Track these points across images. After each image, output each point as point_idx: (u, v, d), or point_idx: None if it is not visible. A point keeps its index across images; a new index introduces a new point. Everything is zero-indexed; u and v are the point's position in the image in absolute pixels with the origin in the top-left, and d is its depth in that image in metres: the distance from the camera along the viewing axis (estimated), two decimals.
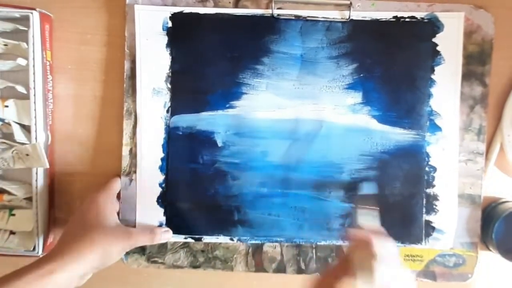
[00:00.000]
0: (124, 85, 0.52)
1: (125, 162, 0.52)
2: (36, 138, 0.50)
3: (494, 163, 0.53)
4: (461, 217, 0.52)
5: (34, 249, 0.51)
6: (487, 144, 0.53)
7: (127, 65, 0.51)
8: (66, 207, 0.54)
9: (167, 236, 0.51)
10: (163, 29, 0.51)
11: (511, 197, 0.54)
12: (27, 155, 0.49)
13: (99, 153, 0.54)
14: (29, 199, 0.52)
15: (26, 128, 0.51)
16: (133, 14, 0.51)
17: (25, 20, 0.49)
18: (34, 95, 0.49)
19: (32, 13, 0.49)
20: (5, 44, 0.50)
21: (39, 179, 0.51)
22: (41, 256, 0.51)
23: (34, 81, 0.49)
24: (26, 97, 0.50)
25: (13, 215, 0.52)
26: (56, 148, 0.53)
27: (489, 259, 0.53)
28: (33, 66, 0.49)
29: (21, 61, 0.50)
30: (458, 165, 0.52)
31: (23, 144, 0.50)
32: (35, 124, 0.50)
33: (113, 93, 0.53)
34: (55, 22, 0.53)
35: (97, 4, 0.52)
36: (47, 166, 0.50)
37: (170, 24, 0.51)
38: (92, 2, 0.52)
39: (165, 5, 0.51)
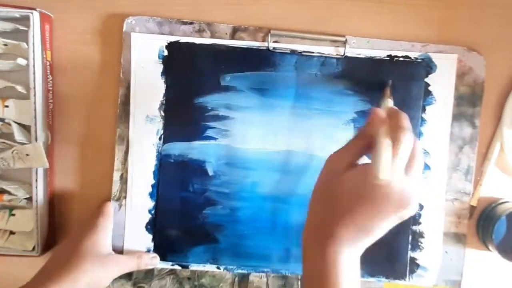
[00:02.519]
0: (118, 111, 0.52)
1: (116, 187, 0.52)
2: (36, 138, 0.50)
3: (494, 163, 0.53)
4: (445, 254, 0.53)
5: (33, 249, 0.51)
6: (487, 144, 0.53)
7: (121, 91, 0.52)
8: (66, 207, 0.54)
9: (154, 262, 0.52)
10: (159, 57, 0.51)
11: (511, 197, 0.54)
12: (27, 155, 0.49)
13: (100, 152, 0.53)
14: (29, 199, 0.52)
15: (26, 128, 0.51)
16: (130, 42, 0.51)
17: (25, 20, 0.49)
18: (34, 95, 0.49)
19: (32, 13, 0.49)
20: (5, 44, 0.50)
21: (39, 179, 0.51)
22: (41, 257, 0.51)
23: (34, 81, 0.49)
24: (26, 97, 0.50)
25: (13, 215, 0.52)
26: (56, 148, 0.53)
27: (490, 261, 0.54)
28: (33, 66, 0.49)
29: (21, 61, 0.50)
30: (445, 204, 0.53)
31: (23, 144, 0.50)
32: (35, 124, 0.50)
33: (115, 91, 0.53)
34: (55, 22, 0.52)
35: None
36: (47, 166, 0.50)
37: (166, 53, 0.51)
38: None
39: (162, 33, 0.51)
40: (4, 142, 0.51)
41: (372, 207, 0.36)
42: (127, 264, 0.50)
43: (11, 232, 0.53)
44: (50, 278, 0.44)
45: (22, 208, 0.52)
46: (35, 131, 0.50)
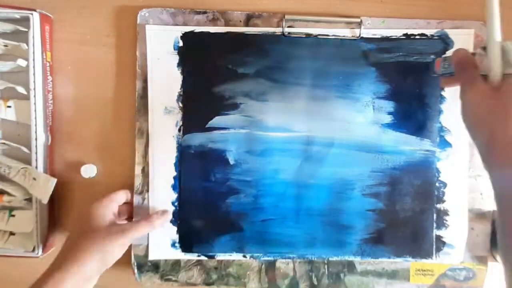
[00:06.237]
0: (136, 105, 0.52)
1: (138, 181, 0.52)
2: (36, 138, 0.50)
3: None
4: (471, 231, 0.53)
5: (34, 250, 0.51)
6: None
7: (138, 84, 0.52)
8: (66, 208, 0.54)
9: (165, 218, 0.51)
10: (174, 48, 0.51)
11: None
12: (34, 179, 0.49)
13: (100, 153, 0.54)
14: (29, 200, 0.52)
15: (26, 129, 0.51)
16: (144, 34, 0.51)
17: (25, 21, 0.49)
18: (34, 96, 0.50)
19: (32, 14, 0.49)
20: (5, 45, 0.50)
21: None
22: (41, 258, 0.51)
23: (34, 82, 0.50)
24: (26, 98, 0.50)
25: (13, 216, 0.52)
26: (56, 148, 0.53)
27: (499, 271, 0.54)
28: (33, 67, 0.49)
29: (21, 62, 0.50)
30: (468, 181, 0.52)
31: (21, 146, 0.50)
32: (35, 125, 0.50)
33: (116, 92, 0.53)
34: (55, 23, 0.53)
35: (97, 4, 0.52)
36: (46, 201, 0.50)
37: (181, 44, 0.51)
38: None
39: (176, 24, 0.51)
40: (4, 143, 0.51)
41: None
42: (133, 230, 0.47)
43: (11, 233, 0.53)
44: (61, 262, 0.43)
45: (22, 209, 0.52)
46: (35, 132, 0.50)
